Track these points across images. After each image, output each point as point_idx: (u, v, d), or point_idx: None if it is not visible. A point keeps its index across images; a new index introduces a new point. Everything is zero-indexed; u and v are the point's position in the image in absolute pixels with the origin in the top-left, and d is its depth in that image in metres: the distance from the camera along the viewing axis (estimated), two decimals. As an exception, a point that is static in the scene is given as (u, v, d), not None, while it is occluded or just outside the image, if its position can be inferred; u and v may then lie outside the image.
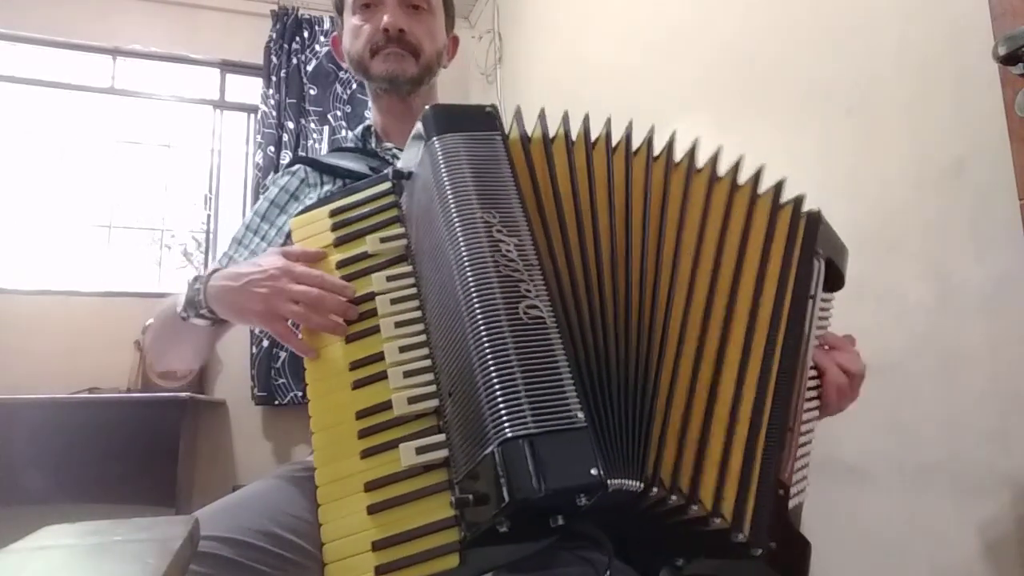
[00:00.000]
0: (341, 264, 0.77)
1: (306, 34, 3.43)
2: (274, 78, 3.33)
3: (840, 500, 1.29)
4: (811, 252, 0.79)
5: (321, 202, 0.84)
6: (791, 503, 0.69)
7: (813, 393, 0.79)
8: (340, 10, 1.10)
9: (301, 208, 0.88)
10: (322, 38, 3.45)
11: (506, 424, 0.55)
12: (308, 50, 3.42)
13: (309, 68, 3.40)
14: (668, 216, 0.73)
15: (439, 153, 0.69)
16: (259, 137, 3.28)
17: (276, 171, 3.19)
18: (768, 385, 0.69)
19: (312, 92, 3.37)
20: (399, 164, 0.79)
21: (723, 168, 0.79)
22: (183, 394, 2.63)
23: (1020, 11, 0.81)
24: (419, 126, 0.74)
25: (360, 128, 1.13)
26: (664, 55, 1.93)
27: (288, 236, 0.88)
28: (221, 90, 3.54)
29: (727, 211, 0.76)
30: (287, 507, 0.75)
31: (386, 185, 0.80)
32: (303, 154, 3.26)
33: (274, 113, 3.29)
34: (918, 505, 1.14)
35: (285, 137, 3.28)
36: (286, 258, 0.75)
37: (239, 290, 0.75)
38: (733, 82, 1.64)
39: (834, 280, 0.86)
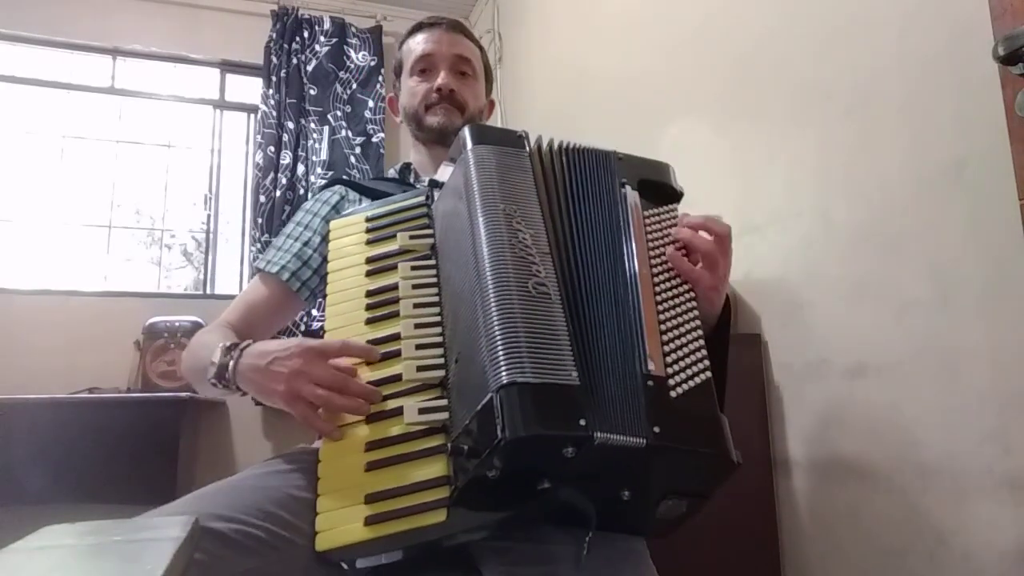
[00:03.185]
0: (371, 259, 0.84)
1: (306, 34, 3.43)
2: (274, 78, 3.33)
3: (840, 500, 1.29)
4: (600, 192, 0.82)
5: (359, 210, 0.93)
6: (683, 386, 0.68)
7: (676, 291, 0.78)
8: (398, 74, 1.26)
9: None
10: (322, 38, 3.45)
11: (504, 371, 0.60)
12: (308, 50, 3.42)
13: (309, 68, 3.39)
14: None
15: (471, 159, 0.78)
16: (259, 137, 3.28)
17: (275, 171, 3.20)
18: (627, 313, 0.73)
19: (312, 92, 3.37)
20: (438, 179, 0.88)
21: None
22: (183, 394, 2.63)
23: (1020, 11, 0.81)
24: (456, 143, 0.82)
25: (400, 164, 1.25)
26: (664, 55, 1.93)
27: (325, 237, 0.96)
28: (221, 90, 3.54)
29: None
30: (281, 487, 0.76)
31: (420, 198, 0.90)
32: (303, 153, 3.27)
33: (274, 113, 3.29)
34: (918, 505, 1.14)
35: (285, 137, 3.27)
36: (321, 351, 0.75)
37: (263, 369, 0.77)
38: (733, 82, 1.64)
39: (664, 194, 0.86)
